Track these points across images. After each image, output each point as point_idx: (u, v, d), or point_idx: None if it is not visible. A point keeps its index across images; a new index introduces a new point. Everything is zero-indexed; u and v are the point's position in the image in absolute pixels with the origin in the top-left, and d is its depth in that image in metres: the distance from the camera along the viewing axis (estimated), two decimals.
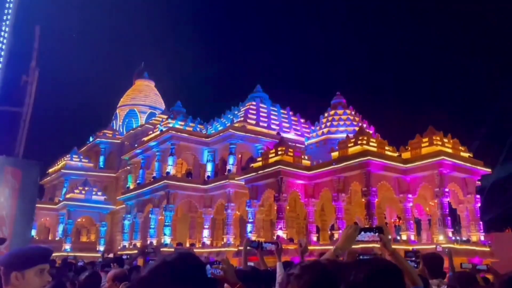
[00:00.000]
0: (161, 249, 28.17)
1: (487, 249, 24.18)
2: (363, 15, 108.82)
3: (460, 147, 25.94)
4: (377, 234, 2.20)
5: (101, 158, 48.92)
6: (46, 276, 2.11)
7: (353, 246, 2.35)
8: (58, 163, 48.81)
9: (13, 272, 2.03)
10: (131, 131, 49.48)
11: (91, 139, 52.13)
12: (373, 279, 1.57)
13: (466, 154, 26.08)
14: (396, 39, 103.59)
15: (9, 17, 10.14)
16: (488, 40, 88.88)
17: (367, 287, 1.54)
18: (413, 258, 4.16)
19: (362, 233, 2.20)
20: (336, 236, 26.05)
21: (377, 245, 3.11)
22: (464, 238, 25.12)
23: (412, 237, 25.36)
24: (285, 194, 27.27)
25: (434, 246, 20.89)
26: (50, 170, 49.95)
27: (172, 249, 28.46)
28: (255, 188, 29.40)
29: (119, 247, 38.41)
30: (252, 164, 30.78)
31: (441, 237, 23.52)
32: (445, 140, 25.28)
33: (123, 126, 53.58)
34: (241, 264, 6.58)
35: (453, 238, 24.03)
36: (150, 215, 35.28)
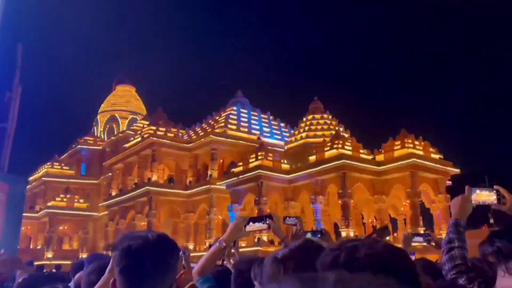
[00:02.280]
0: None
1: None
2: (340, 22, 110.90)
3: (431, 149, 27.21)
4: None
5: (83, 165, 48.72)
6: None
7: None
8: (39, 171, 48.44)
9: None
10: (112, 138, 49.44)
11: (72, 146, 51.84)
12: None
13: (437, 156, 27.36)
14: (372, 45, 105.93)
15: None
16: (459, 43, 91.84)
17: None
18: (421, 240, 3.98)
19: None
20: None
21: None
22: (437, 237, 26.33)
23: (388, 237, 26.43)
24: (266, 198, 28.04)
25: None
26: (31, 178, 49.42)
27: None
28: (236, 192, 30.08)
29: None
30: (233, 169, 31.45)
31: None
32: (416, 142, 26.49)
33: (104, 132, 53.47)
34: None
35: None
36: (133, 221, 35.53)
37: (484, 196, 2.11)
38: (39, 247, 41.83)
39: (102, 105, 56.69)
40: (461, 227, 2.06)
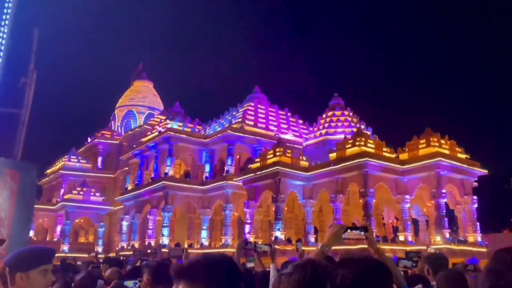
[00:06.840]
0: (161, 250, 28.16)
1: (484, 250, 24.27)
2: (362, 17, 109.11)
3: (457, 149, 26.05)
4: (363, 233, 2.31)
5: (99, 159, 48.87)
6: (49, 276, 2.14)
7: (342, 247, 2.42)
8: (56, 164, 48.76)
9: (18, 273, 2.05)
10: (129, 132, 49.48)
11: (89, 140, 52.12)
12: (360, 280, 1.58)
13: (463, 156, 26.19)
14: (394, 40, 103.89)
15: (7, 20, 10.19)
16: (487, 41, 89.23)
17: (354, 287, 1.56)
18: (415, 259, 4.29)
19: (348, 231, 2.30)
20: None
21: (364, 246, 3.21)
22: (461, 239, 25.23)
23: (410, 238, 25.43)
24: (283, 195, 27.32)
25: (431, 247, 20.91)
26: (48, 171, 49.90)
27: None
28: (253, 189, 29.45)
29: (117, 248, 38.41)
30: (250, 165, 30.83)
31: (438, 238, 23.62)
32: (442, 141, 25.38)
33: (121, 126, 53.59)
34: None
35: (450, 239, 24.12)
36: (148, 216, 35.30)
37: (353, 234, 2.28)
38: (55, 239, 42.05)
39: (120, 99, 56.86)
40: (324, 254, 2.21)
